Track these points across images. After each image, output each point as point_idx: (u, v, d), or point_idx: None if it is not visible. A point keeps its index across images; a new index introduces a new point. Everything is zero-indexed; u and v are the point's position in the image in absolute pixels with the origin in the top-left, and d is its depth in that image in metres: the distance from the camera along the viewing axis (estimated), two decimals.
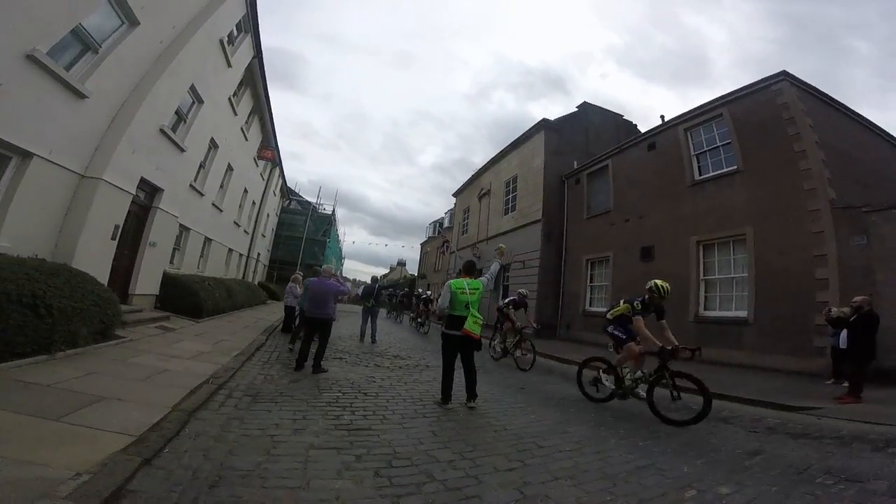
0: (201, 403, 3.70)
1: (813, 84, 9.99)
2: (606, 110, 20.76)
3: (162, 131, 8.65)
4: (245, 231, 19.91)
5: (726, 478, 3.02)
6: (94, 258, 6.78)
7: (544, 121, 18.48)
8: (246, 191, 18.30)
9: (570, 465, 3.18)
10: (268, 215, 24.73)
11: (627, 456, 3.47)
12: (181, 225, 11.09)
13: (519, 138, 20.05)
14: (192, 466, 2.54)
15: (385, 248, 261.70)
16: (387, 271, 79.32)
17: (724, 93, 11.00)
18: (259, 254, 24.26)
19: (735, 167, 10.16)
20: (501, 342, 9.14)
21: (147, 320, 7.63)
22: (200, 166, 12.16)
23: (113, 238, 7.40)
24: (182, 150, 9.67)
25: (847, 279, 7.47)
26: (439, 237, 33.08)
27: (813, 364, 7.61)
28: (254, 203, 20.76)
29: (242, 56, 13.21)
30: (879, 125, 11.28)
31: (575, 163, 17.10)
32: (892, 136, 11.68)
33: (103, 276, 6.77)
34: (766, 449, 3.79)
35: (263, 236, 24.74)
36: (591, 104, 20.32)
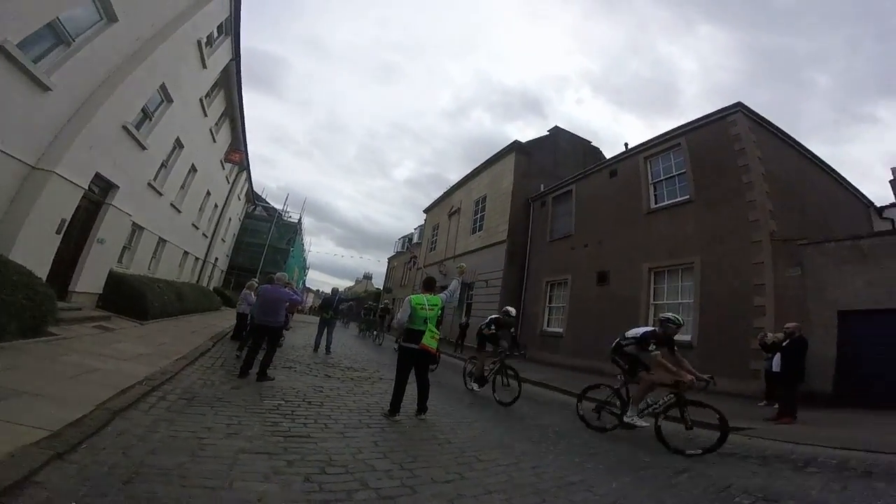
0: (130, 404, 3.53)
1: (770, 116, 10.51)
2: (576, 136, 21.54)
3: (125, 128, 8.49)
4: (204, 234, 19.28)
5: (651, 495, 3.11)
6: (35, 251, 6.47)
7: (516, 143, 18.97)
8: (209, 193, 17.78)
9: (506, 480, 3.22)
10: (230, 219, 24.04)
11: (562, 472, 3.54)
12: (134, 223, 10.70)
13: (491, 158, 20.48)
14: (108, 463, 2.43)
15: (352, 261, 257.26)
16: (352, 284, 78.29)
17: (684, 122, 11.47)
18: (217, 258, 23.45)
19: (687, 196, 10.69)
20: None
21: (85, 319, 7.24)
22: (162, 165, 11.81)
23: (58, 232, 7.07)
24: (144, 148, 9.46)
25: (781, 307, 7.97)
26: (407, 252, 33.07)
27: (749, 386, 7.99)
28: (216, 206, 20.17)
29: (220, 58, 13.12)
30: (826, 159, 12.07)
31: (542, 186, 17.56)
32: (835, 171, 12.62)
33: (42, 271, 6.45)
34: (694, 468, 3.91)
35: (223, 241, 23.99)
36: (561, 129, 21.07)
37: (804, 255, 8.19)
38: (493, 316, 8.14)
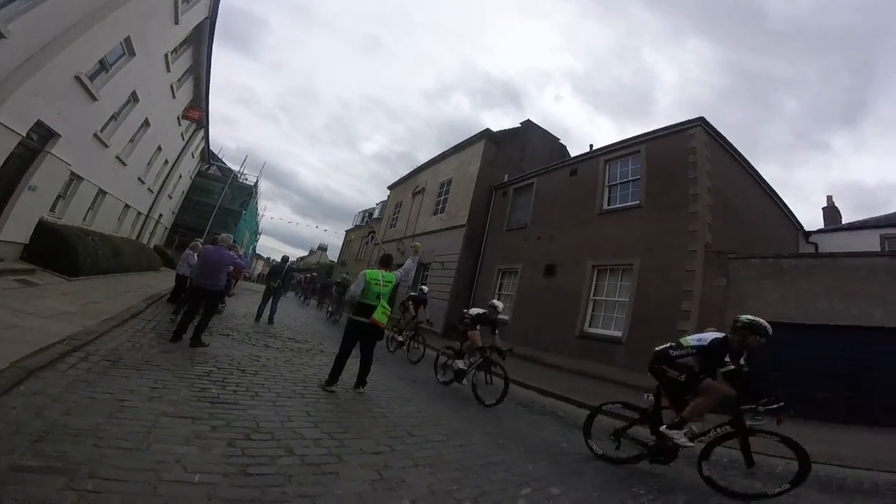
0: (48, 363, 3.39)
1: (734, 134, 11.29)
2: (546, 132, 21.83)
3: (77, 78, 8.28)
4: (149, 189, 18.27)
5: (562, 480, 3.33)
6: None
7: (487, 131, 19.04)
8: (160, 148, 16.98)
9: (433, 455, 3.38)
10: (180, 176, 22.80)
11: (486, 451, 3.74)
12: (73, 173, 10.17)
13: (461, 143, 20.47)
14: (18, 422, 2.37)
15: (308, 230, 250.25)
16: (305, 254, 76.53)
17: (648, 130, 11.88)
18: (161, 215, 22.23)
19: (637, 202, 11.19)
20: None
21: (7, 271, 6.74)
22: (112, 117, 11.35)
23: None
24: (95, 100, 9.19)
25: (705, 313, 8.62)
26: (366, 227, 32.63)
27: None
28: (166, 162, 19.21)
29: (194, 15, 12.71)
30: (774, 180, 13.08)
31: (506, 176, 17.80)
32: (775, 194, 13.60)
33: None
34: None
35: (170, 197, 22.74)
36: (533, 123, 21.31)
37: (731, 267, 8.86)
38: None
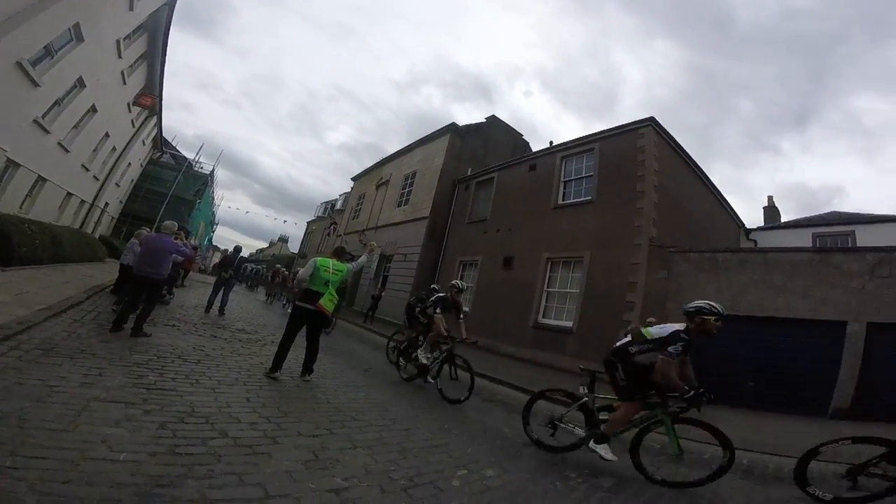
0: None
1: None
2: (510, 127, 22.23)
3: (19, 64, 8.07)
4: (95, 177, 17.41)
5: (498, 463, 3.43)
6: None
7: (453, 125, 19.23)
8: (108, 135, 16.29)
9: (375, 438, 3.44)
10: (129, 164, 21.81)
11: (429, 435, 3.84)
12: (9, 160, 9.79)
13: (426, 136, 20.57)
14: None
15: (268, 221, 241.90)
16: (266, 245, 74.55)
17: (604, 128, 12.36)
18: (107, 203, 21.19)
19: (590, 198, 11.67)
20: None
21: None
22: (56, 103, 10.95)
23: None
24: (36, 85, 8.93)
25: (648, 304, 9.15)
26: (329, 218, 32.18)
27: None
28: (114, 149, 18.36)
29: (151, 2, 12.48)
30: (725, 180, 13.86)
31: (469, 170, 18.07)
32: (719, 193, 14.50)
33: None
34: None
35: (118, 185, 21.69)
36: (498, 118, 21.66)
37: (672, 260, 9.42)
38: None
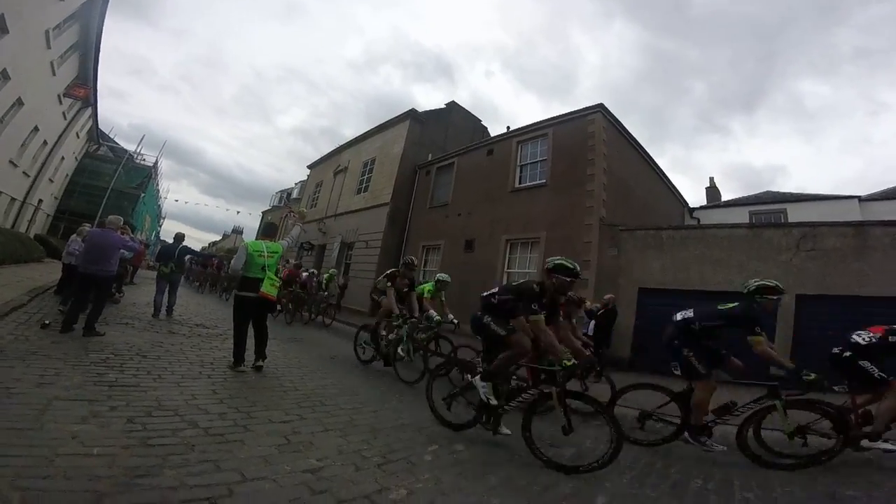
0: None
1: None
2: (469, 113, 22.39)
3: None
4: (25, 173, 16.25)
5: (466, 437, 3.56)
6: None
7: (412, 111, 19.13)
8: (36, 129, 15.27)
9: (345, 421, 3.51)
10: (62, 158, 20.37)
11: (399, 415, 3.93)
12: None
13: (385, 123, 20.35)
14: None
15: (219, 212, 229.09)
16: (219, 238, 71.41)
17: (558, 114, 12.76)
18: (41, 200, 19.74)
19: (544, 181, 12.09)
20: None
21: None
22: None
23: None
24: None
25: (601, 281, 9.69)
26: (284, 207, 31.32)
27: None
28: (45, 143, 17.17)
29: None
30: (676, 160, 14.58)
31: (430, 155, 18.12)
32: (664, 175, 15.32)
33: None
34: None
35: (51, 181, 20.19)
36: (457, 104, 21.76)
37: (621, 238, 9.98)
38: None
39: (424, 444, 3.29)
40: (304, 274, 11.52)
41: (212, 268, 17.22)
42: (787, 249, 8.32)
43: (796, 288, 7.89)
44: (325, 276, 13.53)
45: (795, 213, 15.25)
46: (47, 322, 4.84)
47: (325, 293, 12.39)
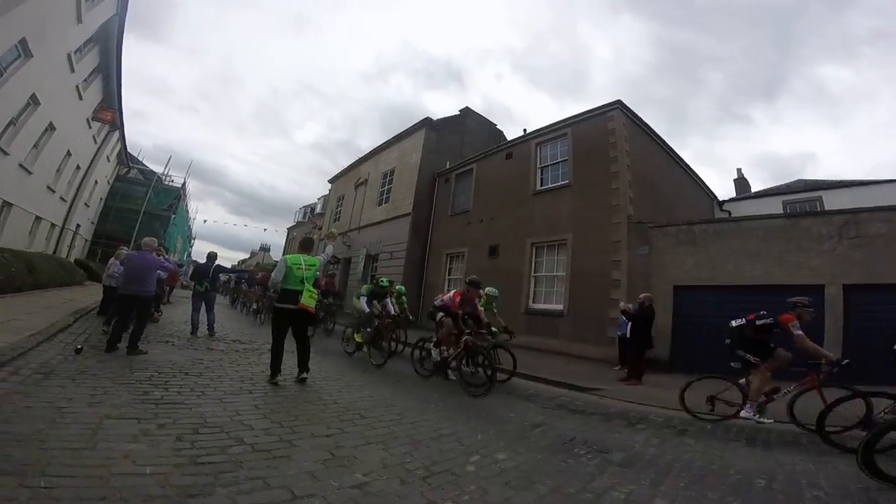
0: None
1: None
2: (483, 117, 22.38)
3: None
4: (62, 198, 16.84)
5: (508, 446, 3.49)
6: None
7: (427, 119, 19.25)
8: (70, 153, 15.71)
9: (385, 433, 3.50)
10: (96, 182, 21.09)
11: (437, 426, 3.90)
12: None
13: (402, 133, 20.53)
14: None
15: (246, 231, 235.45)
16: (247, 256, 73.02)
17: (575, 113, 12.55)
18: (79, 225, 20.54)
19: (567, 182, 11.93)
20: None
21: None
22: (11, 123, 10.54)
23: None
24: None
25: (633, 281, 9.44)
26: (309, 222, 31.88)
27: (608, 352, 9.26)
28: (78, 167, 17.75)
29: (100, 13, 12.17)
30: (698, 153, 14.25)
31: (448, 163, 18.15)
32: (689, 168, 14.90)
33: None
34: (547, 422, 4.40)
35: (87, 205, 20.98)
36: (471, 110, 21.82)
37: (651, 236, 9.72)
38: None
39: (465, 454, 3.24)
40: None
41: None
42: (828, 238, 7.97)
43: (842, 277, 7.60)
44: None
45: (831, 201, 14.53)
46: (81, 347, 5.01)
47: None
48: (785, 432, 4.39)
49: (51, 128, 12.88)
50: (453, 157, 18.60)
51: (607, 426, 4.50)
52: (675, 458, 3.51)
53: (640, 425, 4.60)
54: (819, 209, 14.27)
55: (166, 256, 7.15)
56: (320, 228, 27.45)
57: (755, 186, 21.25)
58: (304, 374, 4.89)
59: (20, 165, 11.66)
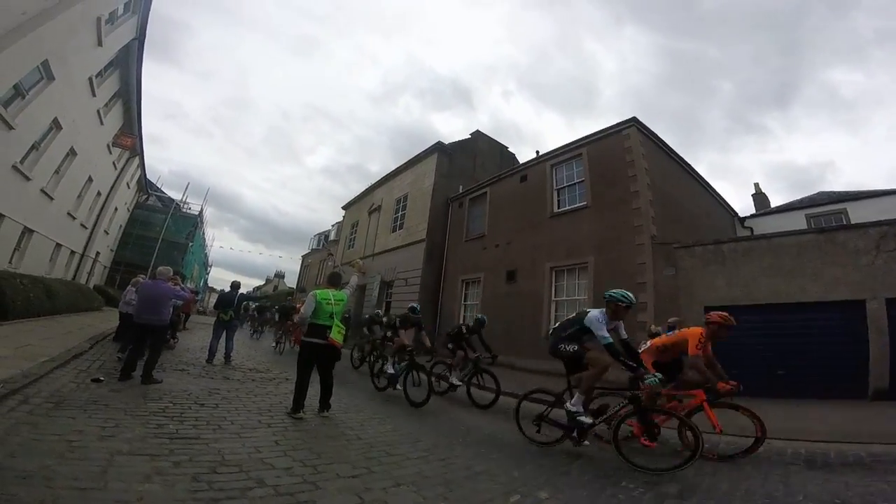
0: None
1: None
2: (495, 140, 22.54)
3: None
4: (83, 225, 17.05)
5: (548, 482, 3.26)
6: None
7: (438, 144, 19.37)
8: (91, 179, 15.88)
9: (415, 472, 3.26)
10: (116, 209, 21.43)
11: (468, 462, 3.65)
12: None
13: (413, 158, 20.68)
14: None
15: (261, 258, 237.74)
16: (262, 283, 73.51)
17: (589, 132, 12.37)
18: (98, 253, 20.80)
19: (585, 203, 11.69)
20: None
21: None
22: (33, 147, 10.58)
23: None
24: (11, 128, 8.60)
25: (660, 303, 9.07)
26: (323, 250, 32.00)
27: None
28: (99, 194, 18.01)
29: (120, 37, 12.32)
30: (714, 167, 13.95)
31: (461, 187, 18.13)
32: (708, 184, 14.61)
33: None
34: (585, 454, 4.14)
35: (106, 233, 21.30)
36: (482, 133, 21.99)
37: (677, 256, 9.38)
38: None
39: (504, 493, 3.01)
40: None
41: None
42: (865, 252, 7.65)
43: (884, 291, 7.26)
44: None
45: (857, 213, 14.02)
46: (101, 378, 4.87)
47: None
48: None
49: (72, 153, 12.92)
50: (466, 181, 18.59)
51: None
52: (732, 487, 3.26)
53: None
54: (845, 222, 13.84)
55: (182, 285, 7.07)
56: (332, 254, 27.49)
57: (773, 199, 20.84)
58: (325, 413, 4.78)
59: (42, 191, 11.74)
